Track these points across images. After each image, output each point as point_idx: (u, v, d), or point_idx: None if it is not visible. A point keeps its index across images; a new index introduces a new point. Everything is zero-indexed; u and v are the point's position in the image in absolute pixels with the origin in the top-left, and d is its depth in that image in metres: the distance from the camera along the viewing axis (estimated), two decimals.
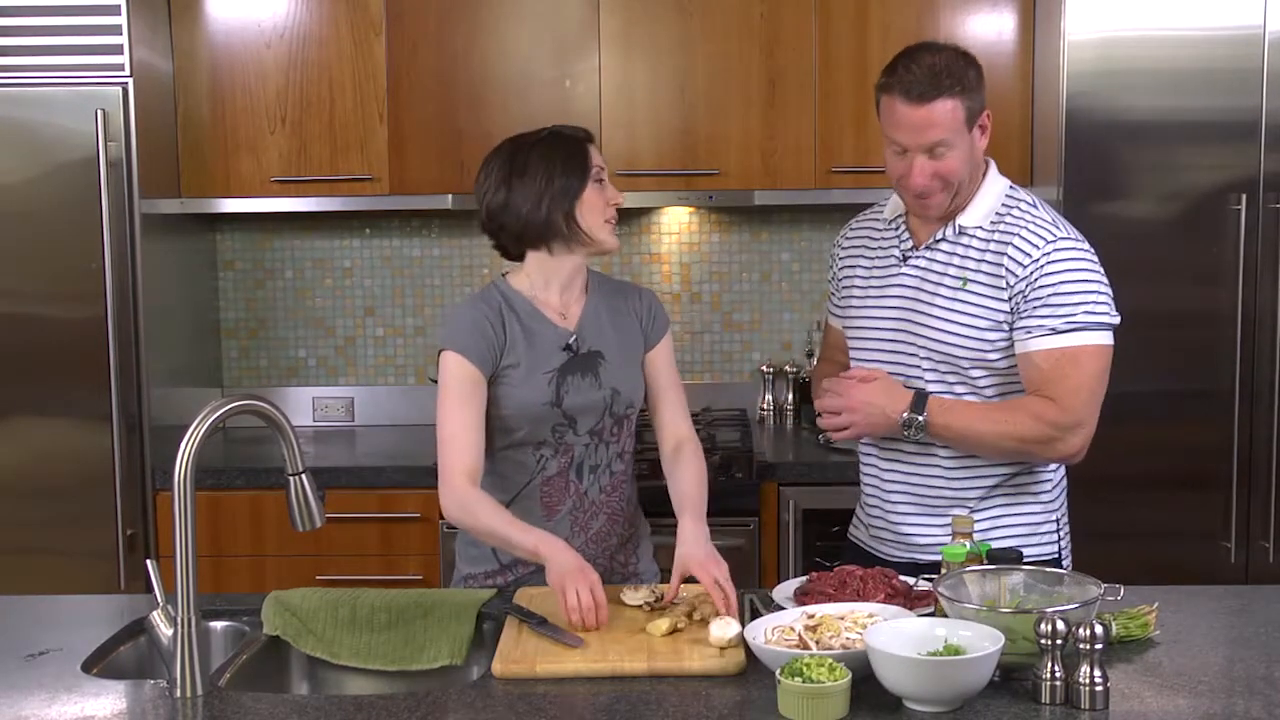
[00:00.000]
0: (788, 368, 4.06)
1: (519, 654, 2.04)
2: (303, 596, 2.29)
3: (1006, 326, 2.38)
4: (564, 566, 2.19)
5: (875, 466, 2.56)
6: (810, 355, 4.03)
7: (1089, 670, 1.82)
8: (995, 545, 2.23)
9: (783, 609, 2.13)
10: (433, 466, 3.39)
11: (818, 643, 1.93)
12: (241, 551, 3.48)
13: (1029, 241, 2.37)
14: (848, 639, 1.93)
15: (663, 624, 2.10)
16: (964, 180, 2.41)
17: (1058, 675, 1.83)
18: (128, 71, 3.45)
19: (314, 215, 4.03)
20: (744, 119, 3.70)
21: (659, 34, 3.70)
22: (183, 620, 1.93)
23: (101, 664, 2.14)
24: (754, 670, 1.96)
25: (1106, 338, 2.38)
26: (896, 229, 2.53)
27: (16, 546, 3.47)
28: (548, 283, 2.47)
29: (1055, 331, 2.33)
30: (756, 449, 3.54)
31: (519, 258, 2.49)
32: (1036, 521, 2.50)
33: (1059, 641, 1.82)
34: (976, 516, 2.43)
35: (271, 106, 3.72)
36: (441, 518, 3.39)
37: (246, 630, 2.31)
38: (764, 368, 4.06)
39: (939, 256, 2.45)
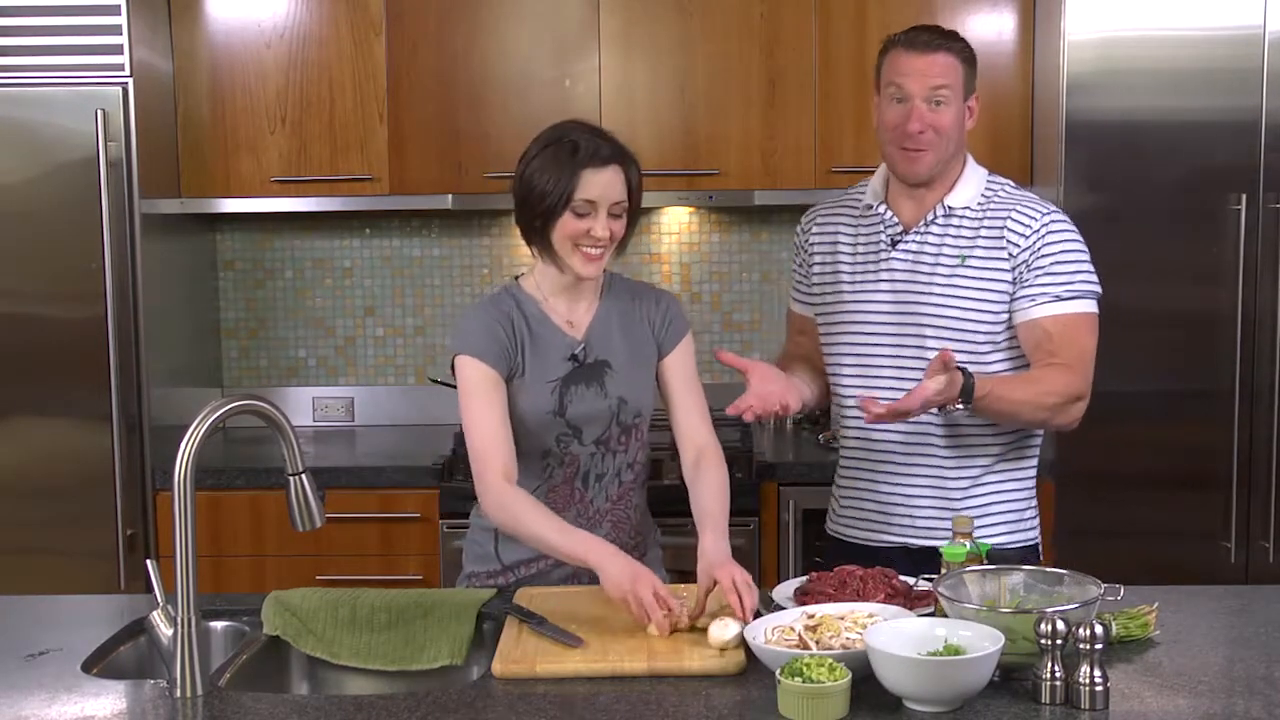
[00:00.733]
0: None
1: (519, 654, 2.04)
2: (303, 596, 2.29)
3: (1009, 298, 2.45)
4: (619, 577, 2.13)
5: (867, 455, 2.57)
6: None
7: (1089, 670, 1.82)
8: (982, 527, 2.32)
9: (783, 609, 2.13)
10: (433, 467, 3.44)
11: (818, 643, 1.93)
12: (241, 551, 3.48)
13: (1027, 214, 2.46)
14: (848, 639, 1.93)
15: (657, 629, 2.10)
16: (952, 147, 2.47)
17: (1058, 675, 1.83)
18: (128, 71, 3.45)
19: (314, 215, 4.03)
20: (744, 119, 3.71)
21: (659, 34, 3.70)
22: (183, 620, 1.93)
23: (101, 664, 2.14)
24: (754, 670, 1.96)
25: (1096, 306, 2.49)
26: (880, 213, 2.56)
27: (16, 546, 3.47)
28: (552, 288, 2.43)
29: (1059, 299, 2.43)
30: (756, 449, 3.54)
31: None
32: (1020, 509, 2.56)
33: (1059, 641, 1.82)
34: (969, 502, 2.50)
35: (271, 106, 3.72)
36: (442, 518, 3.40)
37: (246, 630, 2.31)
38: None
39: (931, 238, 2.50)
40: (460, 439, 3.50)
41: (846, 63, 3.67)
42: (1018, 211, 2.47)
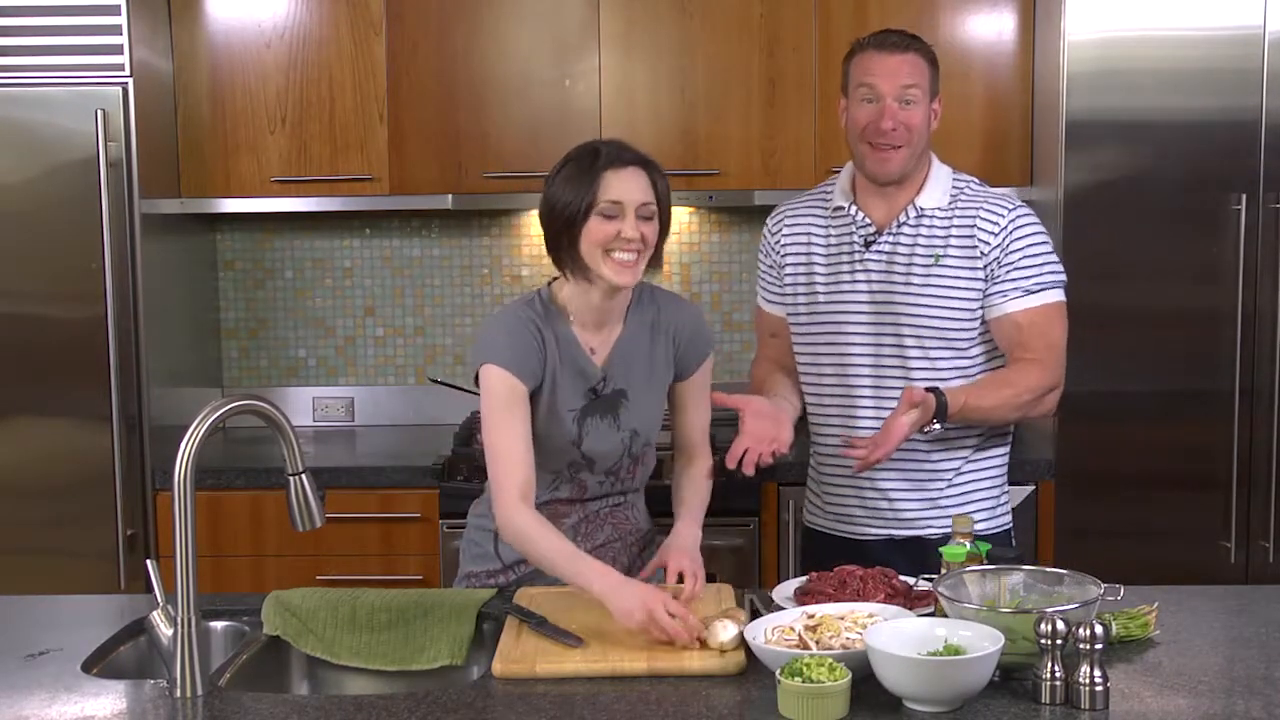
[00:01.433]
0: None
1: (519, 654, 2.04)
2: (303, 596, 2.29)
3: (983, 294, 2.51)
4: (628, 607, 2.07)
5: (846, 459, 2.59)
6: None
7: (1089, 670, 1.82)
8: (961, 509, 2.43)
9: (783, 609, 2.13)
10: (433, 467, 3.43)
11: (818, 643, 1.93)
12: (241, 551, 3.48)
13: (994, 211, 2.52)
14: (848, 639, 1.93)
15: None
16: (920, 146, 2.53)
17: (1058, 675, 1.83)
18: (128, 71, 3.44)
19: (314, 215, 4.03)
20: (744, 119, 3.70)
21: (659, 34, 3.70)
22: (183, 620, 1.93)
23: (101, 664, 2.14)
24: (754, 670, 1.96)
25: (1063, 295, 2.55)
26: (851, 215, 2.59)
27: (16, 546, 3.47)
28: (580, 308, 2.36)
29: (1028, 292, 2.49)
30: None
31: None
32: (996, 495, 2.63)
33: (1059, 641, 1.82)
34: (950, 492, 2.56)
35: (271, 106, 3.72)
36: (442, 518, 3.40)
37: (246, 630, 2.31)
38: None
39: (903, 239, 2.54)
40: (460, 439, 3.53)
41: None
42: (986, 209, 2.52)
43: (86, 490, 3.45)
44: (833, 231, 2.62)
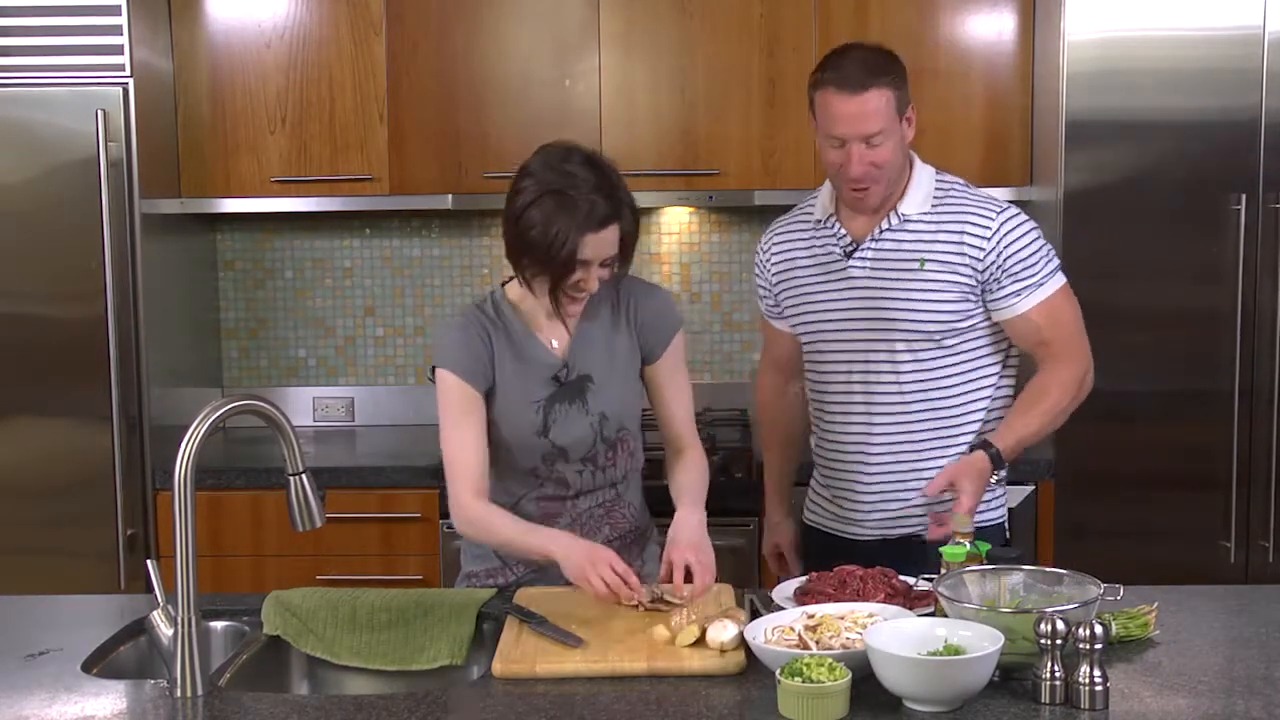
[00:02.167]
0: None
1: (519, 654, 2.04)
2: (303, 596, 2.29)
3: (974, 296, 2.52)
4: (574, 559, 2.20)
5: (843, 453, 2.64)
6: None
7: (1089, 670, 1.82)
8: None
9: (783, 609, 2.13)
10: (432, 467, 3.43)
11: (818, 643, 1.93)
12: (241, 551, 3.48)
13: (982, 217, 2.52)
14: (848, 639, 1.93)
15: (663, 631, 2.10)
16: (896, 171, 2.53)
17: (1058, 675, 1.83)
18: (128, 71, 3.45)
19: (314, 215, 4.03)
20: (744, 119, 3.70)
21: (659, 34, 3.70)
22: (183, 620, 1.93)
23: (101, 664, 2.14)
24: (754, 670, 1.96)
25: (1063, 275, 2.57)
26: (831, 228, 2.61)
27: (16, 546, 3.47)
28: (533, 309, 2.43)
29: (1036, 287, 2.52)
30: (756, 449, 3.53)
31: None
32: (991, 489, 2.60)
33: (1059, 641, 1.82)
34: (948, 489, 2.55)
35: (271, 106, 3.72)
36: (442, 518, 3.40)
37: (246, 630, 2.31)
38: None
39: (886, 246, 2.55)
40: None
41: None
42: (974, 215, 2.52)
43: (86, 490, 3.45)
44: (816, 244, 2.64)
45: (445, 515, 3.38)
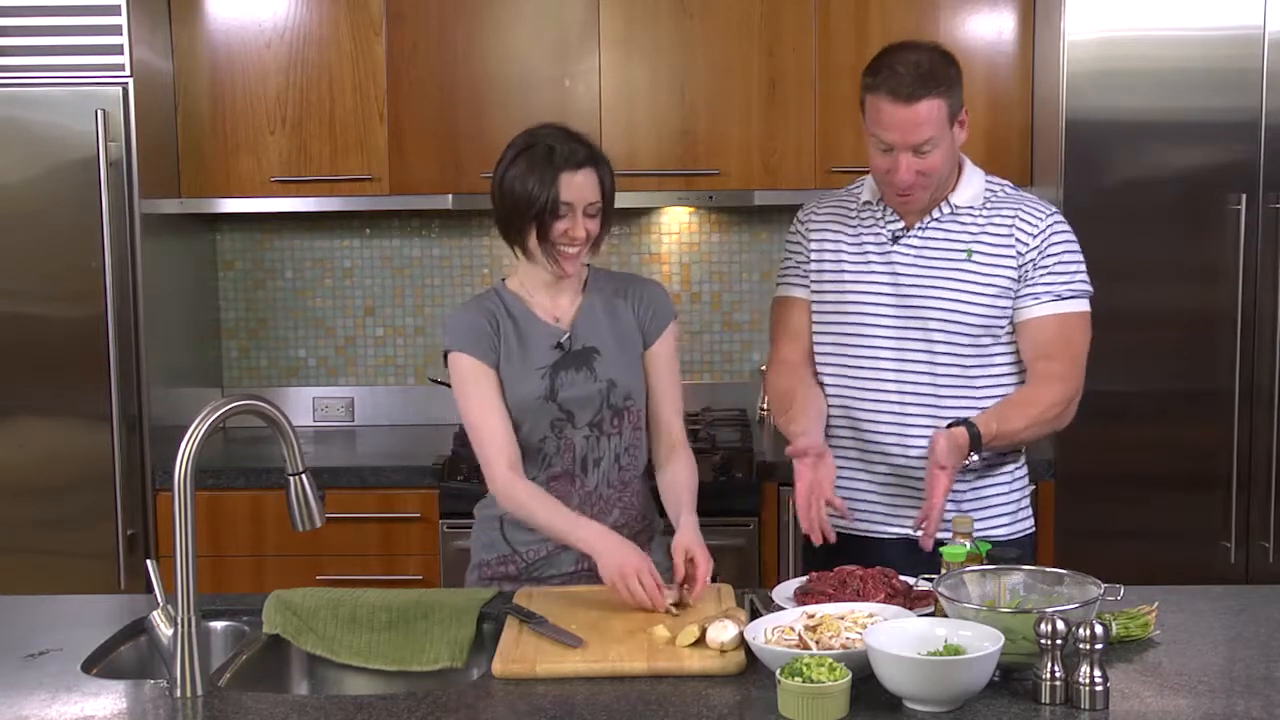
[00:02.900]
0: None
1: (519, 654, 2.04)
2: (304, 596, 2.29)
3: (1011, 295, 2.49)
4: (612, 563, 2.25)
5: (864, 451, 2.58)
6: None
7: (1089, 670, 1.82)
8: (985, 520, 2.41)
9: (783, 609, 2.13)
10: (433, 467, 3.44)
11: (818, 643, 1.93)
12: (241, 551, 3.48)
13: (1033, 213, 2.51)
14: (848, 639, 1.93)
15: (663, 631, 2.10)
16: (944, 176, 2.48)
17: (1058, 675, 1.83)
18: (128, 71, 3.44)
19: (314, 215, 4.03)
20: (744, 119, 3.71)
21: (659, 34, 3.70)
22: (183, 620, 1.93)
23: (101, 664, 2.14)
24: (754, 670, 1.96)
25: (1089, 306, 2.54)
26: (880, 209, 2.57)
27: (16, 546, 3.47)
28: (535, 284, 2.52)
29: (1060, 298, 2.48)
30: (756, 449, 3.54)
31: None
32: (1018, 499, 2.59)
33: (1059, 641, 1.82)
34: (972, 494, 2.53)
35: (271, 106, 3.72)
36: (442, 517, 3.40)
37: (246, 630, 2.31)
38: (764, 368, 4.04)
39: (935, 232, 2.52)
40: (460, 438, 3.52)
41: (846, 63, 3.66)
42: (1025, 210, 2.50)
43: (86, 490, 3.45)
44: (863, 225, 2.58)
45: (445, 515, 3.39)
